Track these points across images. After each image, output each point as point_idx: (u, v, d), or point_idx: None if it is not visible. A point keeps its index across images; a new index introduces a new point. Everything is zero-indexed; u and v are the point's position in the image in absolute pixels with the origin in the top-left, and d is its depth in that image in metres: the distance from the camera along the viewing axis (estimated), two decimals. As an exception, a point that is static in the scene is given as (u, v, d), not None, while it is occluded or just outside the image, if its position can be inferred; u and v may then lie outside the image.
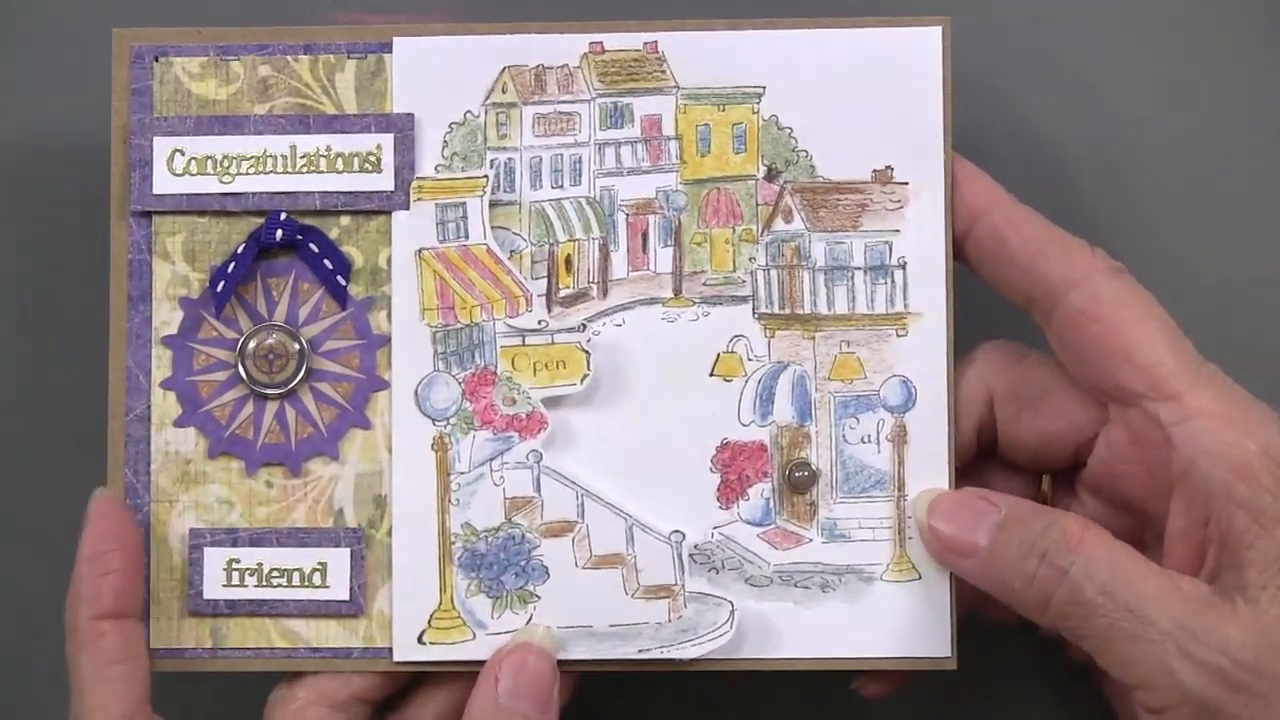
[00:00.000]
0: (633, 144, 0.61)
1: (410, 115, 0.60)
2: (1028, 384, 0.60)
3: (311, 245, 0.60)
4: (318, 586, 0.60)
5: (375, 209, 0.61)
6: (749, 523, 0.60)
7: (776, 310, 0.60)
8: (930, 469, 0.60)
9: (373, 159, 0.60)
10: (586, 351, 0.60)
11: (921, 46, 0.60)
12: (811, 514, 0.60)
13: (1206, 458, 0.55)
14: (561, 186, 0.61)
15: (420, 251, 0.60)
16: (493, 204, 0.61)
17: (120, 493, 0.60)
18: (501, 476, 0.60)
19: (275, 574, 0.60)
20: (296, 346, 0.60)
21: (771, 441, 0.60)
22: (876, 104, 0.60)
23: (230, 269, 0.60)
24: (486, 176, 0.60)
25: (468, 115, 0.61)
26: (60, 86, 0.68)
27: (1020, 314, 0.59)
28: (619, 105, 0.61)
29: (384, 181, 0.60)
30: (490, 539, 0.60)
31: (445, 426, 0.60)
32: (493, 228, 0.60)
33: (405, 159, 0.60)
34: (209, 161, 0.60)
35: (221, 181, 0.61)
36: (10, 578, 0.67)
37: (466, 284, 0.60)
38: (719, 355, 0.60)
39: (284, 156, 0.60)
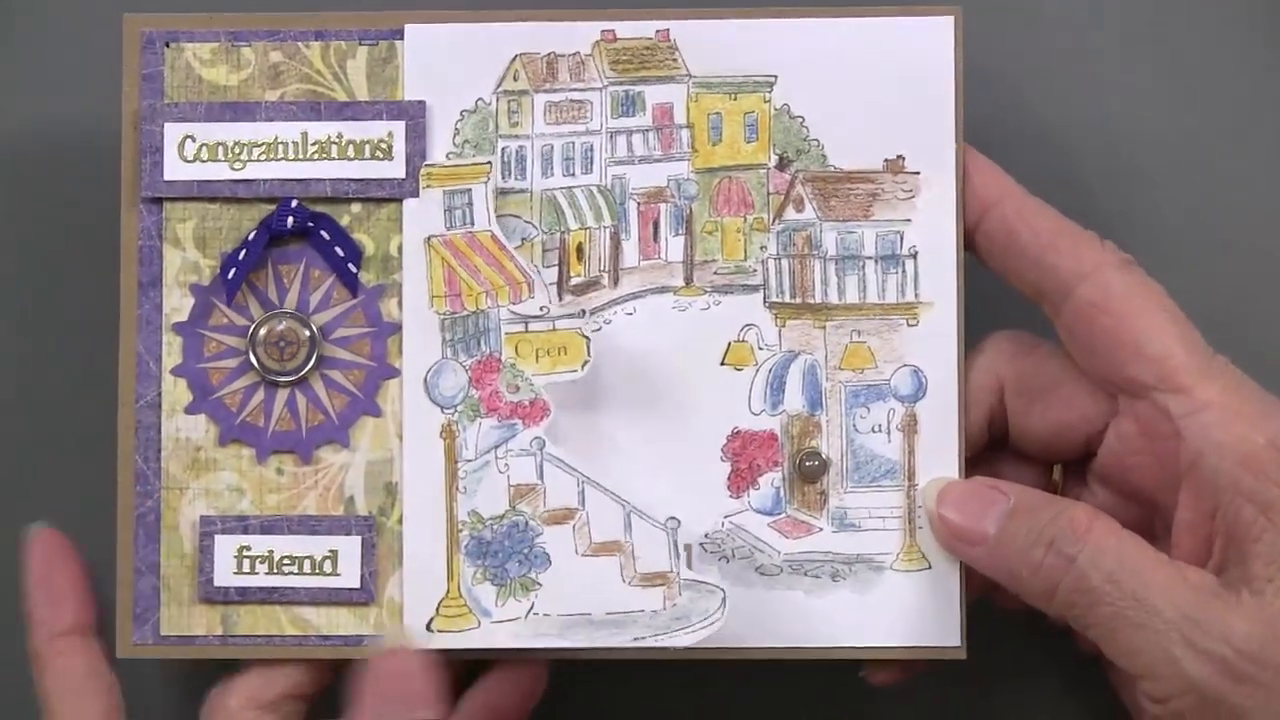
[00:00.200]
0: (644, 132, 0.61)
1: (422, 103, 0.60)
2: (1038, 374, 0.60)
3: (323, 233, 0.60)
4: (329, 574, 0.60)
5: (386, 196, 0.60)
6: (759, 512, 0.60)
7: (788, 299, 0.60)
8: (941, 458, 0.60)
9: (384, 146, 0.60)
10: (587, 337, 0.60)
11: (933, 36, 0.60)
12: (822, 503, 0.60)
13: (1214, 450, 0.55)
14: (573, 174, 0.61)
15: (429, 239, 0.60)
16: (504, 192, 0.60)
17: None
18: (506, 464, 0.60)
19: (286, 561, 0.60)
20: (307, 334, 0.60)
21: (782, 430, 0.60)
22: (888, 93, 0.60)
23: (242, 256, 0.60)
24: (490, 163, 0.60)
25: (479, 103, 0.61)
26: (69, 73, 0.67)
27: (1031, 304, 0.59)
28: (630, 93, 0.61)
29: (395, 169, 0.60)
30: (496, 526, 0.60)
31: (453, 414, 0.60)
32: (504, 216, 0.60)
33: (417, 146, 0.60)
34: (220, 148, 0.60)
35: (233, 168, 0.60)
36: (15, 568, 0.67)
37: (472, 271, 0.60)
38: (730, 344, 0.60)
39: (295, 143, 0.60)
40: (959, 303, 0.60)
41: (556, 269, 0.61)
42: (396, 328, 0.60)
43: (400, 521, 0.60)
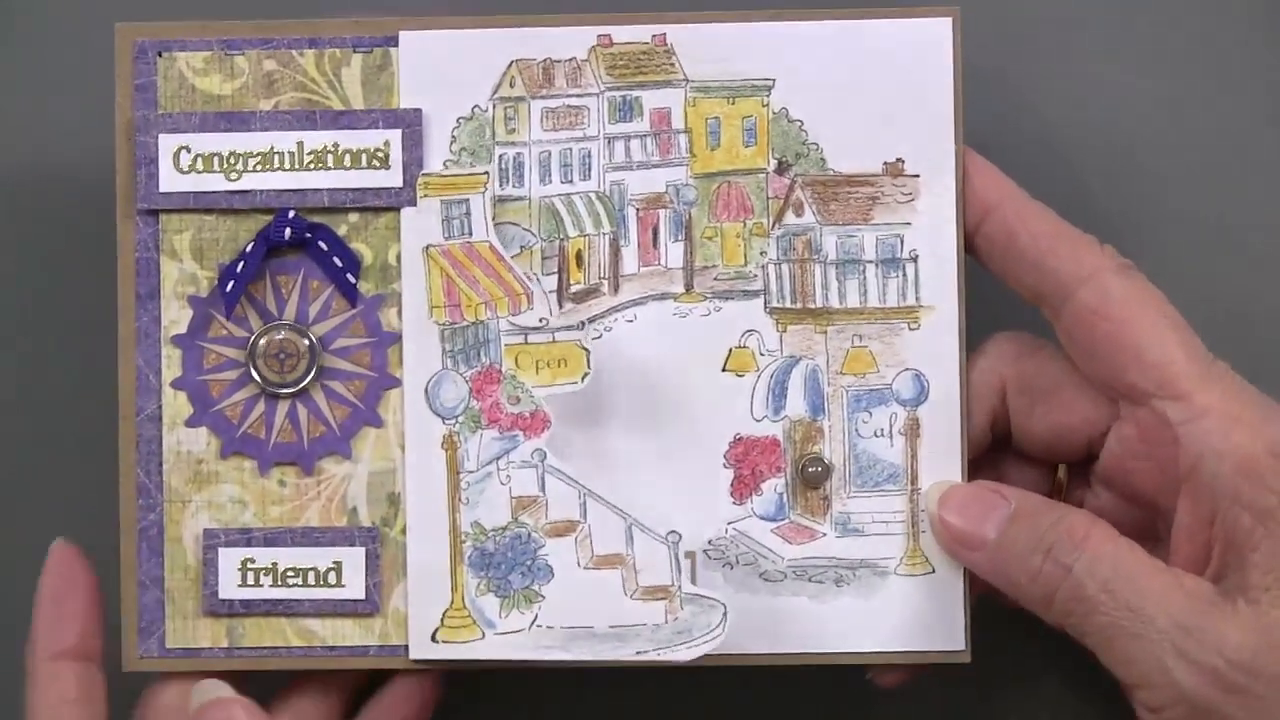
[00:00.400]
0: (642, 138, 0.60)
1: (418, 111, 0.60)
2: (1040, 376, 0.60)
3: (320, 243, 0.60)
4: (333, 585, 0.60)
5: (384, 205, 0.60)
6: (762, 518, 0.60)
7: (788, 304, 0.60)
8: (943, 462, 0.60)
9: (380, 155, 0.60)
10: (587, 349, 0.60)
11: (931, 37, 0.59)
12: (825, 508, 0.60)
13: (1213, 457, 0.55)
14: (571, 181, 0.60)
15: (428, 248, 0.60)
16: (502, 199, 0.60)
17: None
18: (508, 475, 0.60)
19: (290, 574, 0.60)
20: (306, 344, 0.60)
21: (784, 436, 0.60)
22: (887, 96, 0.60)
23: (239, 268, 0.60)
24: (488, 173, 0.60)
25: (475, 110, 0.60)
26: (61, 84, 0.67)
27: (1032, 306, 0.59)
28: (628, 99, 0.60)
29: (392, 178, 0.60)
30: (498, 538, 0.60)
31: (454, 425, 0.60)
32: (502, 223, 0.60)
33: (414, 155, 0.60)
34: (215, 159, 0.60)
35: (228, 179, 0.60)
36: (14, 578, 0.67)
37: (471, 281, 0.60)
38: (731, 350, 0.60)
39: (291, 153, 0.60)
40: (960, 305, 0.60)
41: (556, 276, 0.60)
42: (396, 337, 0.60)
43: (404, 532, 0.60)
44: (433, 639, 0.60)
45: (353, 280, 0.60)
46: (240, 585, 0.60)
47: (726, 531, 0.60)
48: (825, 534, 0.60)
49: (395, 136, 0.60)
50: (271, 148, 0.60)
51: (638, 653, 0.59)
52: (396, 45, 0.60)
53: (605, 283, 0.60)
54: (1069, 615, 0.55)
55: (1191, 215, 0.66)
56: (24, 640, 0.59)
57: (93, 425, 0.63)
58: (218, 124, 0.60)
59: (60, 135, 0.67)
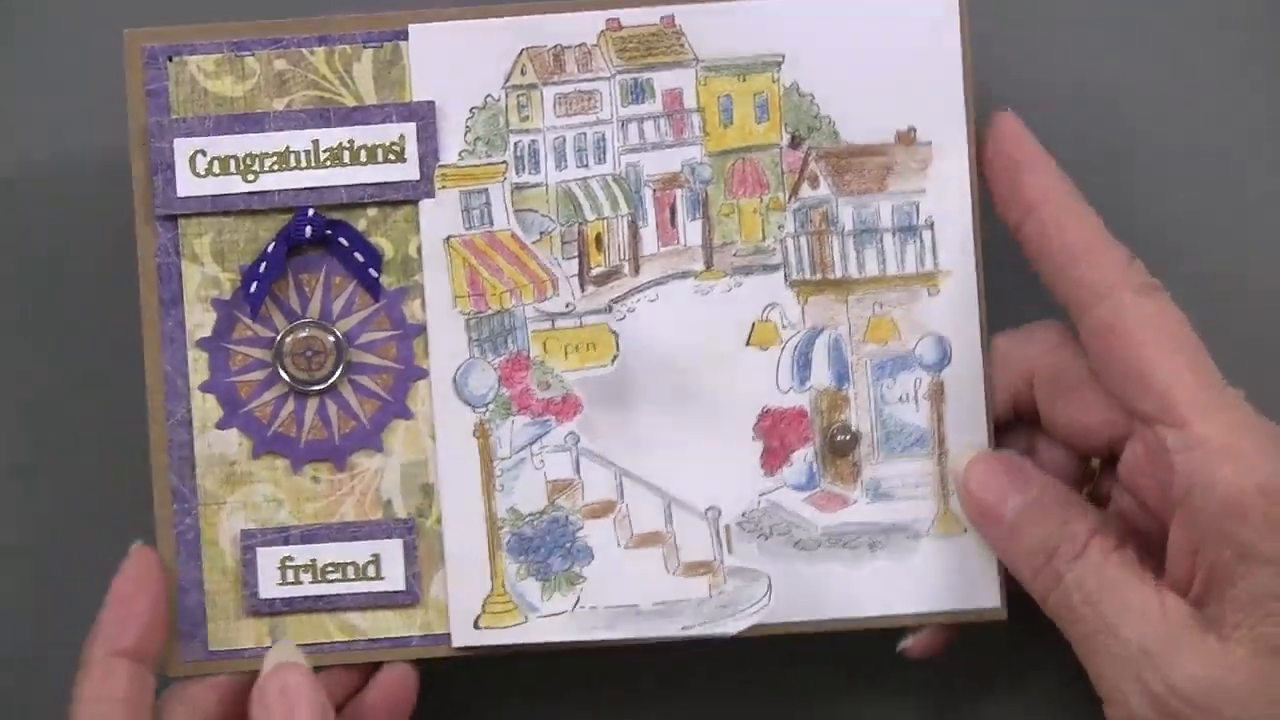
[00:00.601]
0: (655, 119, 0.61)
1: (431, 103, 0.60)
2: (1068, 372, 0.60)
3: (341, 239, 0.60)
4: (373, 579, 0.60)
5: (402, 199, 0.61)
6: (794, 488, 0.61)
7: (808, 276, 0.61)
8: (969, 424, 0.61)
9: (396, 149, 0.60)
10: (615, 332, 0.60)
11: (938, 4, 0.60)
12: (855, 475, 0.61)
13: (1202, 489, 0.54)
14: (586, 165, 0.61)
15: (449, 239, 0.60)
16: (519, 186, 0.61)
17: (170, 549, 0.60)
18: (542, 460, 0.61)
19: (330, 569, 0.60)
20: (332, 340, 0.60)
21: (811, 406, 0.61)
22: (896, 66, 0.60)
23: (262, 269, 0.60)
24: (505, 162, 0.60)
25: (488, 99, 0.61)
26: (68, 92, 0.67)
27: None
28: (639, 81, 0.61)
29: (409, 171, 0.60)
30: (535, 523, 0.60)
31: (485, 413, 0.60)
32: (520, 210, 0.61)
33: (429, 147, 0.60)
34: (231, 161, 0.60)
35: (246, 180, 0.60)
36: (39, 592, 0.67)
37: (495, 270, 0.60)
38: (754, 324, 0.61)
39: (307, 152, 0.60)
40: (978, 269, 0.61)
41: (577, 260, 0.61)
42: (421, 329, 0.61)
43: (439, 522, 0.60)
44: (475, 625, 0.60)
45: (375, 274, 0.60)
46: (280, 584, 0.60)
47: (759, 503, 0.61)
48: (857, 500, 0.61)
49: (410, 130, 0.60)
50: (287, 147, 0.60)
51: (684, 628, 0.60)
52: (406, 39, 0.60)
53: (626, 264, 0.61)
54: (1058, 619, 0.57)
55: (1200, 217, 0.66)
56: (53, 644, 0.59)
57: (124, 430, 0.63)
58: (232, 126, 0.60)
59: (74, 138, 0.66)
